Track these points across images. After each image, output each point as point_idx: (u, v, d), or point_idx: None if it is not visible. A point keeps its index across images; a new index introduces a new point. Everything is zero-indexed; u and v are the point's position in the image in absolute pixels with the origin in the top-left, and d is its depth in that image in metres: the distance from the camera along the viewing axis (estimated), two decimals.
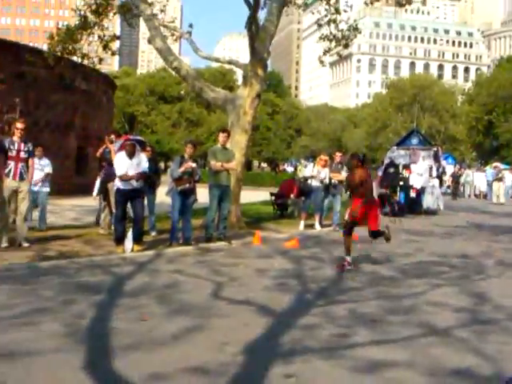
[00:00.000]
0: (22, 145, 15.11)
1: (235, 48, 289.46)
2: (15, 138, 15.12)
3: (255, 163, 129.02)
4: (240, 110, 21.02)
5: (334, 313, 9.28)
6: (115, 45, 25.76)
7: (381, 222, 14.56)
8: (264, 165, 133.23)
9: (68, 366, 6.57)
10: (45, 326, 8.11)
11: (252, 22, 21.50)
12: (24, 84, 33.45)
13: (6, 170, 14.84)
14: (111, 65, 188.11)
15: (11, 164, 14.91)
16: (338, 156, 23.80)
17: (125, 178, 15.11)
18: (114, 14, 24.67)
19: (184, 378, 6.31)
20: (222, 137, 17.85)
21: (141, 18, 23.58)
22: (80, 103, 39.36)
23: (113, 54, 26.11)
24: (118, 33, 29.11)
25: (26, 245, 15.07)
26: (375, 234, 14.15)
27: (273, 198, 27.06)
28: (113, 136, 18.76)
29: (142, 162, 15.44)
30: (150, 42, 22.42)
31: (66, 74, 31.37)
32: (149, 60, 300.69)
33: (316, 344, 7.65)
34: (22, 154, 15.09)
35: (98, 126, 41.57)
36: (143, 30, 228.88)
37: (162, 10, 23.69)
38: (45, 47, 29.53)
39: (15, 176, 14.95)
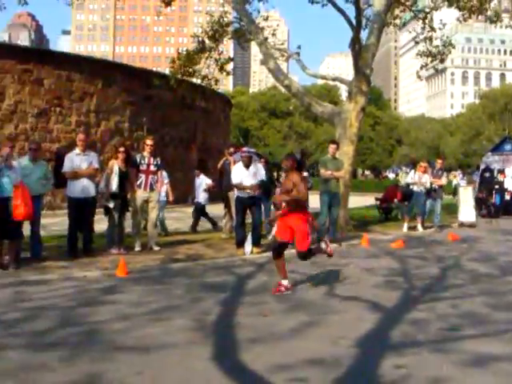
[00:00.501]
0: (152, 159, 15.38)
1: (338, 66, 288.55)
2: (145, 154, 15.40)
3: (359, 171, 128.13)
4: (346, 123, 20.87)
5: (440, 308, 9.10)
6: (229, 66, 26.05)
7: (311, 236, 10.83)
8: (367, 172, 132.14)
9: (198, 357, 6.64)
10: (176, 321, 8.24)
11: (355, 42, 21.43)
12: (151, 105, 34.22)
13: (138, 182, 15.15)
14: (226, 85, 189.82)
15: (142, 176, 15.19)
16: (439, 163, 23.58)
17: (240, 188, 15.22)
18: (229, 39, 24.93)
19: (303, 369, 6.28)
20: (331, 148, 17.82)
21: (252, 42, 23.76)
22: (200, 120, 39.93)
23: (227, 74, 26.50)
24: (231, 55, 29.46)
25: (156, 248, 15.34)
26: (304, 255, 10.59)
27: (378, 202, 26.88)
28: (232, 149, 18.97)
29: (260, 171, 15.49)
30: (262, 63, 22.57)
31: (188, 94, 31.94)
32: (260, 79, 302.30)
33: (424, 338, 7.52)
34: (152, 168, 15.35)
35: (217, 140, 42.13)
36: (254, 52, 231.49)
37: (273, 34, 23.78)
38: (167, 71, 30.05)
39: (146, 187, 15.21)
